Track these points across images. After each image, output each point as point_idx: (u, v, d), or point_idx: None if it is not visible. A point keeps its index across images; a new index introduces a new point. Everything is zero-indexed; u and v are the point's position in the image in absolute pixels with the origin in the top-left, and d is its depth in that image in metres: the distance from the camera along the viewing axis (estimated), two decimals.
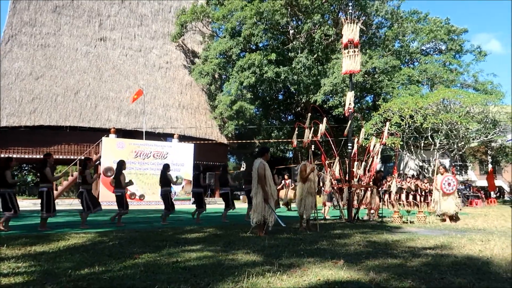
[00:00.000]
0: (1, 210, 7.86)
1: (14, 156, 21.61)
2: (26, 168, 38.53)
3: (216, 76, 27.38)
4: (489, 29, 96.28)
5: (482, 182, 33.92)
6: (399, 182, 16.69)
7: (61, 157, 22.49)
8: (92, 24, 27.14)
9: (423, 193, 17.87)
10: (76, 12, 26.98)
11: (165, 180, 9.62)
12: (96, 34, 26.89)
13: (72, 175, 21.34)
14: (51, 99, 23.01)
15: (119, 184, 9.14)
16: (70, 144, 22.86)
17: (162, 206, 10.08)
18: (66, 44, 25.61)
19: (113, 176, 9.28)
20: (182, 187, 20.92)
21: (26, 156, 22.35)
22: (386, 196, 16.46)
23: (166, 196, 9.55)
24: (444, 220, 10.08)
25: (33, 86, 23.12)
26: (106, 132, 21.77)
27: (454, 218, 10.31)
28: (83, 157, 21.77)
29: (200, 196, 10.13)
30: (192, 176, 21.25)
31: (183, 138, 23.97)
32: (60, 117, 22.51)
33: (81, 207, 8.67)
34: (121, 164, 9.27)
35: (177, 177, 19.36)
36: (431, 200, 11.77)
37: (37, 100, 22.67)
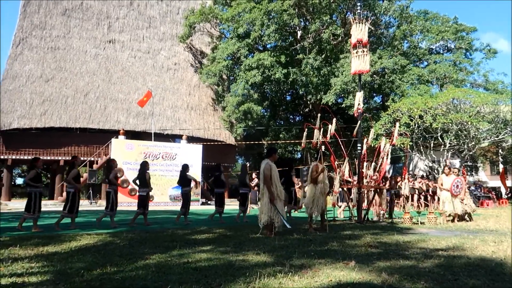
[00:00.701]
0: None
1: (25, 157, 21.91)
2: None
3: (224, 77, 27.40)
4: (497, 28, 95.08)
5: (494, 183, 33.50)
6: (411, 182, 16.51)
7: (70, 158, 22.69)
8: (101, 27, 27.38)
9: (435, 194, 17.64)
10: (85, 14, 27.25)
11: (186, 180, 9.79)
12: (105, 37, 27.12)
13: (82, 176, 21.50)
14: (61, 101, 23.26)
15: (143, 184, 9.34)
16: (80, 146, 23.08)
17: (170, 207, 10.15)
18: (75, 47, 25.87)
19: (136, 177, 9.58)
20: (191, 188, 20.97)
21: None
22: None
23: (187, 196, 9.77)
24: (452, 220, 10.06)
25: (44, 89, 23.39)
26: (115, 133, 21.92)
27: (463, 217, 10.32)
28: (92, 159, 22.03)
29: (222, 196, 10.24)
30: (201, 176, 21.30)
31: (191, 139, 24.05)
32: (70, 119, 22.74)
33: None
34: (145, 164, 9.53)
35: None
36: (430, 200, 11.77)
37: (48, 102, 22.93)
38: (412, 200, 16.79)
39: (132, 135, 23.13)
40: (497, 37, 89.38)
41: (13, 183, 35.26)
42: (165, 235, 6.96)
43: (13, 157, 22.00)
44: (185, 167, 9.85)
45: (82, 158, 22.33)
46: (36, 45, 24.96)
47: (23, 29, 25.21)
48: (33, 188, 7.76)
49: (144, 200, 9.29)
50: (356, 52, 10.16)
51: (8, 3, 78.22)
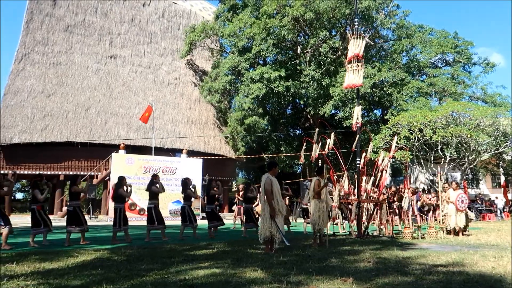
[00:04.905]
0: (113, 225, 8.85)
1: (25, 172, 21.94)
2: None
3: (226, 90, 27.46)
4: (490, 43, 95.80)
5: (495, 196, 33.27)
6: (427, 197, 16.37)
7: (71, 173, 22.70)
8: (103, 42, 27.67)
9: (426, 208, 17.41)
10: (87, 31, 27.57)
11: (248, 199, 10.34)
12: (107, 52, 27.39)
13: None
14: (62, 116, 23.36)
15: (210, 201, 9.85)
16: (80, 160, 23.09)
17: (171, 222, 10.13)
18: (77, 62, 26.10)
19: (205, 194, 10.29)
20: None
21: (37, 172, 22.58)
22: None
23: (249, 212, 10.14)
24: (456, 234, 10.06)
25: (45, 104, 23.52)
26: (115, 148, 21.94)
27: (464, 232, 10.35)
28: (93, 173, 21.96)
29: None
30: (201, 191, 21.24)
31: (191, 153, 24.05)
32: (71, 133, 22.81)
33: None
34: (211, 182, 9.99)
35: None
36: (438, 214, 11.81)
37: (49, 117, 23.03)
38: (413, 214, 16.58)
39: (132, 149, 23.14)
40: (490, 51, 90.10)
41: (13, 198, 35.23)
42: (164, 251, 6.92)
43: (13, 171, 21.97)
44: (247, 186, 10.72)
45: (82, 173, 22.37)
46: (38, 61, 25.17)
47: (26, 45, 25.46)
48: (119, 204, 8.79)
49: (213, 215, 9.80)
50: (351, 66, 10.24)
51: (11, 20, 79.39)
